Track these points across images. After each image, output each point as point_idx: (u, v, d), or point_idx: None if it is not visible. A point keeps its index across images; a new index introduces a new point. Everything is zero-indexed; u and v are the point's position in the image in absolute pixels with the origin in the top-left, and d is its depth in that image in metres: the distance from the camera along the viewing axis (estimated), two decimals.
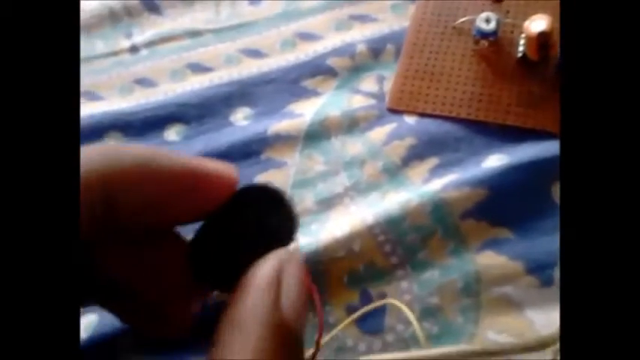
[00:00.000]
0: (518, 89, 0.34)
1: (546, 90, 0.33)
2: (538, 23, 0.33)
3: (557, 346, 0.24)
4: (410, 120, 0.35)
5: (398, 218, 0.31)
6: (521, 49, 0.34)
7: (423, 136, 0.34)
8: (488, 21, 0.35)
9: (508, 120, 0.34)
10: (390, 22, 0.40)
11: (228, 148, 0.36)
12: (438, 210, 0.31)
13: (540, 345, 0.25)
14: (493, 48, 0.36)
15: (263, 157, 0.35)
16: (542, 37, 0.33)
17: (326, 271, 0.30)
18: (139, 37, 0.42)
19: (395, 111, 0.36)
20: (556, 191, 0.31)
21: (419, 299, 0.29)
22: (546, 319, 0.28)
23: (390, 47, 0.38)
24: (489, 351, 0.24)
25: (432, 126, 0.35)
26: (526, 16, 0.34)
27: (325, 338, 0.28)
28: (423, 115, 0.35)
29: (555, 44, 0.33)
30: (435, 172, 0.33)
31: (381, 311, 0.29)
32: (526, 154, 0.32)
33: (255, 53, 0.40)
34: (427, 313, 0.29)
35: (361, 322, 0.29)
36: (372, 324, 0.29)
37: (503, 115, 0.34)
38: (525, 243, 0.30)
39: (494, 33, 0.35)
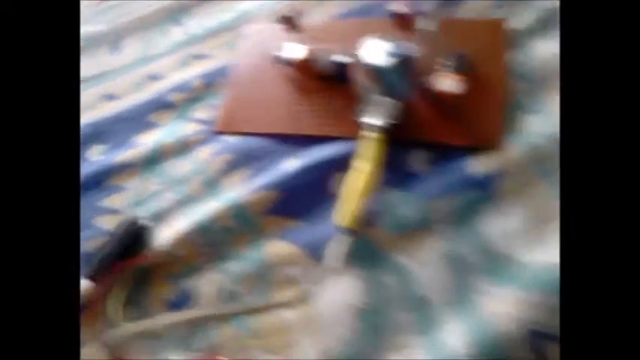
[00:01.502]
0: (319, 104, 0.40)
1: (342, 103, 0.39)
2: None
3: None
4: (232, 139, 0.41)
5: (209, 223, 0.37)
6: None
7: (240, 151, 0.41)
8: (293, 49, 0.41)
9: (307, 130, 0.40)
10: (224, 58, 0.47)
11: (84, 179, 0.42)
12: (241, 212, 0.37)
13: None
14: (300, 72, 0.42)
15: (109, 184, 0.42)
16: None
17: (151, 271, 0.37)
18: None
19: (221, 133, 0.42)
20: (333, 184, 0.36)
21: (224, 286, 0.35)
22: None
23: (221, 79, 0.45)
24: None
25: (249, 142, 0.41)
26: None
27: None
28: (244, 134, 0.42)
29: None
30: (245, 181, 0.39)
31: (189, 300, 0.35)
32: (313, 157, 0.38)
33: (110, 97, 0.47)
34: (230, 297, 0.35)
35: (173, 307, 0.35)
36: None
37: (305, 126, 0.40)
38: (311, 230, 0.36)
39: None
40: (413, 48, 0.36)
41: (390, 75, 0.34)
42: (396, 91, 0.35)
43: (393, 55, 0.34)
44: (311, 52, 0.39)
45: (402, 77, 0.35)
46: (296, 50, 0.39)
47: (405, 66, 0.35)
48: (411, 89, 0.36)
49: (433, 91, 0.34)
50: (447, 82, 0.33)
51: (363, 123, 0.36)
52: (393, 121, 0.35)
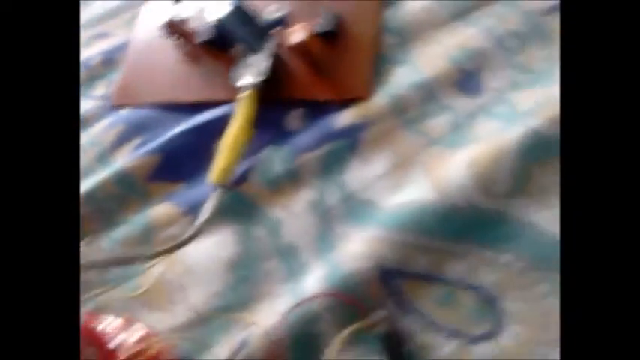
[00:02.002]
0: (204, 70, 0.41)
1: (224, 67, 0.40)
2: None
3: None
4: (125, 112, 0.42)
5: (95, 191, 0.38)
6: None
7: (132, 123, 0.41)
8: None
9: (193, 96, 0.40)
10: (124, 35, 0.47)
11: None
12: (125, 179, 0.38)
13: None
14: (186, 40, 0.43)
15: None
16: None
17: None
18: None
19: (118, 106, 0.43)
20: (214, 146, 0.37)
21: (110, 251, 0.36)
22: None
23: (119, 56, 0.46)
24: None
25: (140, 113, 0.42)
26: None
27: None
28: (137, 106, 0.42)
29: None
30: (135, 150, 0.40)
31: None
32: (196, 121, 0.39)
33: None
34: (115, 263, 0.36)
35: None
36: None
37: (191, 93, 0.41)
38: (193, 191, 0.37)
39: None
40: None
41: (228, 23, 0.35)
42: (241, 40, 0.36)
43: (230, 5, 0.35)
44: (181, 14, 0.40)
45: (241, 26, 0.36)
46: (169, 13, 0.40)
47: (240, 14, 0.36)
48: (256, 38, 0.37)
49: (288, 45, 0.35)
50: (298, 35, 0.34)
51: (237, 84, 0.36)
52: (262, 78, 0.36)
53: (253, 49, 0.36)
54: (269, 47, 0.36)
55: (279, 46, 0.37)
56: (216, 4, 0.35)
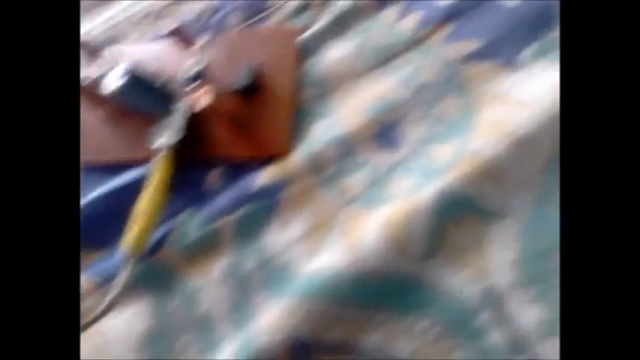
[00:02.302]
0: (125, 129, 0.40)
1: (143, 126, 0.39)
2: None
3: None
4: None
5: None
6: None
7: None
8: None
9: (113, 156, 0.39)
10: None
11: None
12: None
13: None
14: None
15: None
16: None
17: None
18: None
19: None
20: (130, 210, 0.36)
21: None
22: None
23: None
24: None
25: None
26: None
27: None
28: None
29: None
30: None
31: None
32: (116, 183, 0.38)
33: None
34: None
35: None
36: None
37: (111, 153, 0.40)
38: (110, 260, 0.36)
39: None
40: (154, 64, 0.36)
41: (125, 94, 0.34)
42: (144, 108, 0.35)
43: (124, 74, 0.34)
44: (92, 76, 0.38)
45: (140, 94, 0.35)
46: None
47: (137, 83, 0.34)
48: (160, 102, 0.35)
49: (194, 109, 0.33)
50: (204, 99, 0.33)
51: (154, 144, 0.35)
52: (176, 139, 0.34)
53: (159, 113, 0.35)
54: (183, 107, 0.35)
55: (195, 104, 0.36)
56: (115, 71, 0.34)
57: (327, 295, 0.29)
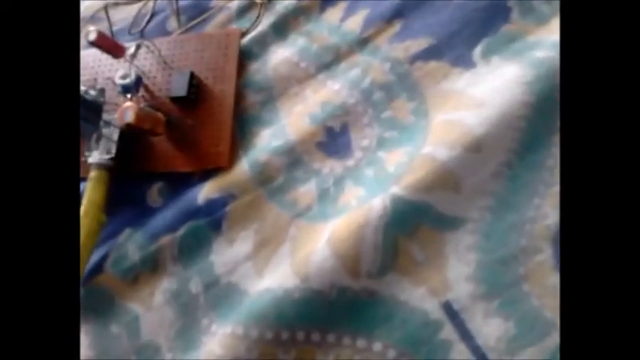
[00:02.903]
0: None
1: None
2: None
3: None
4: None
5: None
6: None
7: None
8: None
9: None
10: None
11: None
12: None
13: None
14: None
15: None
16: None
17: None
18: None
19: None
20: None
21: None
22: None
23: None
24: None
25: None
26: None
27: None
28: None
29: None
30: None
31: None
32: None
33: None
34: None
35: None
36: None
37: None
38: None
39: None
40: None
41: None
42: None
43: None
44: None
45: None
46: None
47: None
48: (93, 115, 0.33)
49: (126, 121, 0.31)
50: (127, 114, 0.30)
51: (87, 162, 0.33)
52: (109, 156, 0.32)
53: (91, 127, 0.32)
54: (115, 120, 0.32)
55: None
56: None
57: (274, 320, 0.27)
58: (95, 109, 0.32)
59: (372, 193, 0.29)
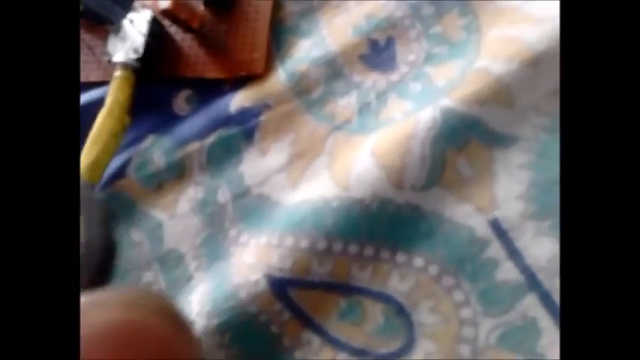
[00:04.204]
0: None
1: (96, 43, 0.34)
2: None
3: None
4: None
5: None
6: None
7: None
8: None
9: None
10: None
11: None
12: None
13: None
14: None
15: None
16: None
17: None
18: None
19: None
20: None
21: None
22: None
23: None
24: None
25: None
26: None
27: None
28: None
29: None
30: None
31: None
32: None
33: None
34: None
35: None
36: None
37: None
38: None
39: None
40: None
41: None
42: (99, 12, 0.30)
43: None
44: None
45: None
46: None
47: None
48: (120, 8, 0.31)
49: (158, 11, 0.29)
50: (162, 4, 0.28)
51: (112, 62, 0.31)
52: (136, 57, 0.30)
53: (116, 22, 0.30)
54: (144, 16, 0.30)
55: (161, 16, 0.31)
56: None
57: (311, 229, 0.26)
58: (123, 0, 0.30)
59: (419, 106, 0.27)
